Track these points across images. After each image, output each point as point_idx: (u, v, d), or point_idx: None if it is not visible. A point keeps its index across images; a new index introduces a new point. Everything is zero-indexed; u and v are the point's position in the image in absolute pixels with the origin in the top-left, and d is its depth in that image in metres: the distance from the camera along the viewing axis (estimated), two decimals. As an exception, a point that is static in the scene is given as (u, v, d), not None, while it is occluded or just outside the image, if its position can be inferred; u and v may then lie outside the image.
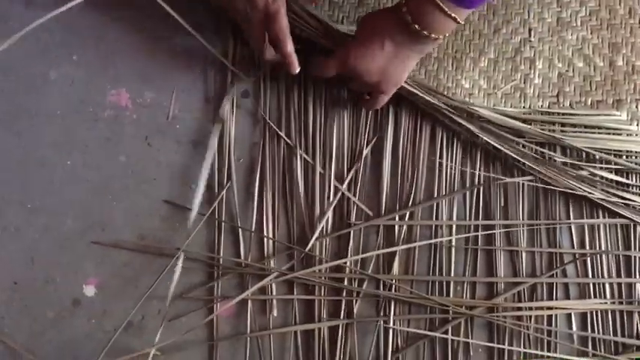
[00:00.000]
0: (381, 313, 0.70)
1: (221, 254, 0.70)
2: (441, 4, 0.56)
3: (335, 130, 0.72)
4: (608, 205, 0.71)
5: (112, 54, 0.74)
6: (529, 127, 0.70)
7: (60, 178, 0.72)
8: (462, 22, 0.59)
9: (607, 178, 0.71)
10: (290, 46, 0.64)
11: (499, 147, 0.70)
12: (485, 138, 0.70)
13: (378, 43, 0.62)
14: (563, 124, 0.72)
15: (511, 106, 0.73)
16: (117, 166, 0.73)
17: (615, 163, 0.72)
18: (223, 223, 0.71)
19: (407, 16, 0.59)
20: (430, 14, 0.58)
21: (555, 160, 0.71)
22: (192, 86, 0.74)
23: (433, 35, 0.59)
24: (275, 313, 0.70)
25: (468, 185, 0.72)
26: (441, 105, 0.69)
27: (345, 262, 0.69)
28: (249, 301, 0.70)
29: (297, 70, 0.65)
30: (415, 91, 0.69)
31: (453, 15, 0.57)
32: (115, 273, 0.71)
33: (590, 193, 0.70)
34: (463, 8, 0.57)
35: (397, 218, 0.71)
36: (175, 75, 0.74)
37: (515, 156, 0.70)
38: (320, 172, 0.71)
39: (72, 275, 0.71)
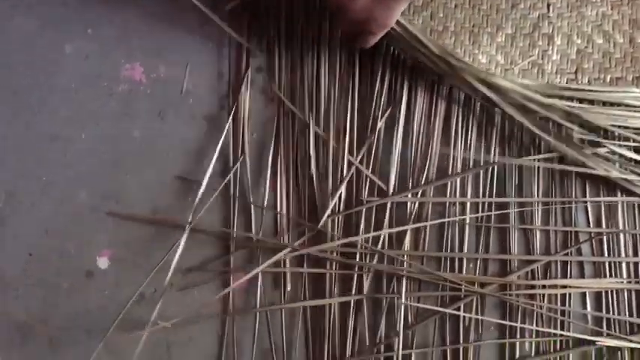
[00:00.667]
0: (393, 290, 0.70)
1: (234, 228, 0.71)
2: None
3: (349, 104, 0.72)
4: (625, 185, 0.70)
5: (127, 28, 0.74)
6: (549, 100, 0.69)
7: (73, 152, 0.72)
8: None
9: (626, 156, 0.70)
10: None
11: (518, 119, 0.68)
12: (505, 108, 0.68)
13: None
14: (581, 101, 0.71)
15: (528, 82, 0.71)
16: (130, 140, 0.73)
17: (634, 140, 0.70)
18: (236, 198, 0.71)
19: None
20: None
21: (573, 137, 0.70)
22: (206, 61, 0.74)
23: None
24: (289, 287, 0.70)
25: (482, 162, 0.72)
26: (460, 72, 0.68)
27: (357, 240, 0.69)
28: (260, 276, 0.70)
29: None
30: (433, 57, 0.68)
31: None
32: (128, 246, 0.71)
33: (607, 171, 0.69)
34: None
35: (410, 195, 0.70)
36: (189, 50, 0.74)
37: (535, 129, 0.68)
38: (333, 147, 0.71)
39: (86, 247, 0.71)
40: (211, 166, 0.71)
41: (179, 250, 0.69)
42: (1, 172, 0.72)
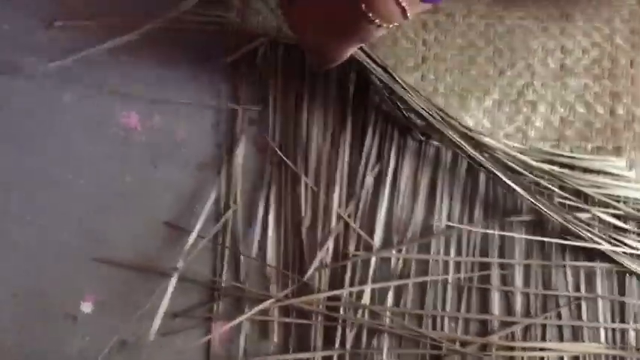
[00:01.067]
0: (374, 345, 0.70)
1: (221, 277, 0.71)
2: None
3: (339, 159, 0.74)
4: (605, 252, 0.72)
5: (124, 77, 0.75)
6: (536, 163, 0.71)
7: (65, 195, 0.73)
8: (409, 19, 0.56)
9: (606, 222, 0.72)
10: None
11: (505, 179, 0.70)
12: (489, 167, 0.70)
13: (321, 16, 0.59)
14: (562, 166, 0.73)
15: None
16: (122, 185, 0.74)
17: (614, 208, 0.73)
18: (225, 247, 0.72)
19: (362, 4, 0.55)
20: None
21: (553, 200, 0.72)
22: (199, 112, 0.76)
23: (378, 21, 0.56)
24: (276, 338, 0.70)
25: (466, 221, 0.73)
26: (450, 132, 0.70)
27: (341, 293, 0.70)
28: (245, 326, 0.70)
29: None
30: (425, 114, 0.70)
31: (403, 4, 0.54)
32: (113, 291, 0.71)
33: (588, 239, 0.71)
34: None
35: (394, 252, 0.72)
36: (185, 100, 0.76)
37: (520, 190, 0.70)
38: (323, 200, 0.73)
39: (70, 291, 0.71)
40: (205, 213, 0.72)
41: (166, 297, 0.69)
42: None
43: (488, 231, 0.72)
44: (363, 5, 0.54)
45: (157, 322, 0.69)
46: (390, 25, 0.56)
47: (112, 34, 0.75)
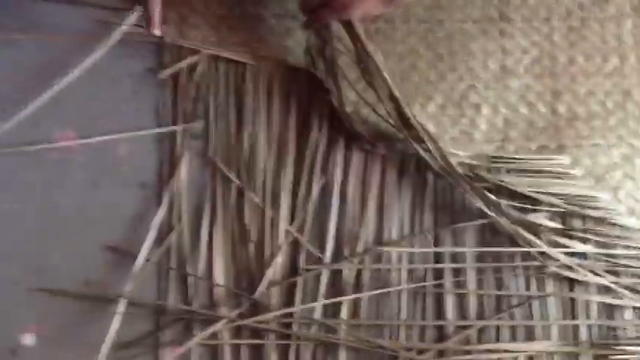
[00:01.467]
0: (330, 359, 0.69)
1: (168, 300, 0.69)
2: None
3: (284, 171, 0.73)
4: (550, 254, 0.72)
5: (60, 95, 0.72)
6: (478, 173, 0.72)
7: (1, 222, 0.70)
8: None
9: (550, 226, 0.73)
10: None
11: (454, 184, 0.71)
12: (440, 171, 0.71)
13: None
14: (508, 170, 0.74)
15: (458, 150, 0.74)
16: (62, 209, 0.71)
17: (558, 207, 0.73)
18: (171, 269, 0.70)
19: None
20: None
21: (500, 205, 0.72)
22: (140, 128, 0.73)
23: None
24: (228, 360, 0.69)
25: (417, 226, 0.73)
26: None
27: (294, 310, 0.69)
28: (195, 351, 0.68)
29: None
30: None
31: None
32: (56, 320, 0.68)
33: (534, 244, 0.72)
34: None
35: (346, 264, 0.71)
36: (124, 118, 0.73)
37: (472, 196, 0.70)
38: (270, 215, 0.71)
39: (9, 323, 0.68)
40: (151, 234, 0.70)
41: (113, 326, 0.66)
42: None
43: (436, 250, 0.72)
44: None
45: (104, 352, 0.66)
46: None
47: (50, 49, 0.73)
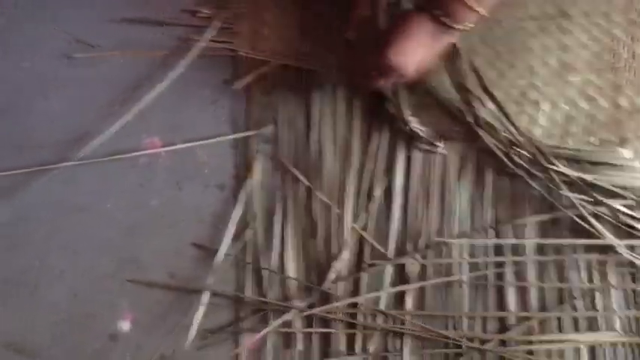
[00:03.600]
0: (395, 349, 0.73)
1: (246, 293, 0.76)
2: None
3: (349, 172, 0.77)
4: (616, 248, 0.73)
5: (147, 106, 0.80)
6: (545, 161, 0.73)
7: (98, 222, 0.78)
8: (484, 12, 0.64)
9: (616, 213, 0.73)
10: None
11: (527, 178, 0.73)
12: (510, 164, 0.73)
13: (416, 38, 0.67)
14: (568, 160, 0.75)
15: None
16: (149, 209, 0.79)
17: (623, 198, 0.74)
18: (247, 263, 0.76)
19: (435, 10, 0.64)
20: (457, 8, 0.63)
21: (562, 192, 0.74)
22: (218, 134, 0.80)
23: (456, 25, 0.65)
24: (300, 346, 0.74)
25: (478, 221, 0.76)
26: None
27: (360, 300, 0.73)
28: (271, 337, 0.74)
29: None
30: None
31: (470, 4, 0.63)
32: (147, 309, 0.76)
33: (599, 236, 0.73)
34: None
35: (409, 259, 0.75)
36: (203, 125, 0.80)
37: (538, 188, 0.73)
38: (336, 213, 0.76)
39: (109, 312, 0.76)
40: (230, 233, 0.76)
41: (198, 314, 0.74)
42: (34, 243, 0.78)
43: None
44: (439, 12, 0.64)
45: (191, 337, 0.73)
46: (467, 24, 0.66)
47: (138, 64, 0.81)
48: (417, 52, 0.67)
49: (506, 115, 0.73)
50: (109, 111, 0.80)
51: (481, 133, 0.74)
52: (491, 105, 0.73)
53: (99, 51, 0.82)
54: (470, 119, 0.74)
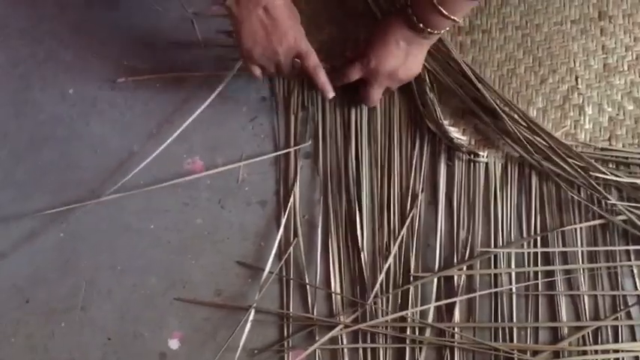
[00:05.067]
0: (446, 361, 0.72)
1: (290, 309, 0.76)
2: (439, 7, 0.66)
3: (392, 183, 0.77)
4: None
5: (187, 127, 0.81)
6: (597, 164, 0.72)
7: (144, 242, 0.80)
8: (458, 20, 0.67)
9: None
10: (323, 77, 0.73)
11: (563, 185, 0.73)
12: (552, 169, 0.73)
13: (395, 44, 0.70)
14: (617, 164, 0.73)
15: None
16: (194, 228, 0.80)
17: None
18: (291, 280, 0.76)
19: (413, 17, 0.68)
20: (429, 14, 0.67)
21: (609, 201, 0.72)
22: (258, 151, 0.81)
23: (432, 31, 0.69)
24: (348, 362, 0.74)
25: (524, 226, 0.75)
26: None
27: (407, 314, 0.73)
28: (318, 352, 0.74)
29: (332, 94, 0.74)
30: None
31: (450, 17, 0.67)
32: (195, 327, 0.77)
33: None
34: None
35: (455, 270, 0.74)
36: (243, 142, 0.81)
37: (577, 197, 0.71)
38: (379, 226, 0.76)
39: (158, 330, 0.77)
40: (273, 251, 0.76)
41: (245, 331, 0.74)
42: (82, 264, 0.79)
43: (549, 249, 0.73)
44: (421, 25, 0.68)
45: (238, 354, 0.74)
46: (441, 30, 0.69)
47: (178, 86, 0.82)
48: (395, 56, 0.71)
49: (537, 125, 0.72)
50: (150, 133, 0.82)
51: (511, 143, 0.74)
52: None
53: (137, 74, 0.83)
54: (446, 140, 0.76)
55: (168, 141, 0.77)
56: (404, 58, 0.71)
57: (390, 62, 0.71)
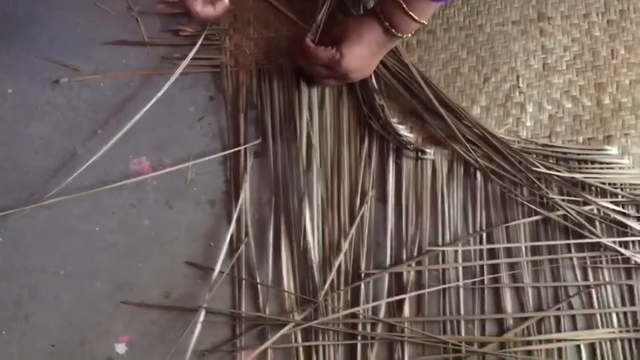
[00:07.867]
0: (396, 356, 0.73)
1: (242, 308, 0.75)
2: (405, 7, 0.68)
3: (341, 182, 0.77)
4: (608, 244, 0.74)
5: (132, 127, 0.79)
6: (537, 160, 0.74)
7: (89, 245, 0.78)
8: (426, 23, 0.70)
9: (610, 209, 0.74)
10: None
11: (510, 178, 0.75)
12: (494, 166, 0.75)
13: (368, 47, 0.72)
14: (557, 160, 0.76)
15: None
16: (141, 229, 0.78)
17: (614, 195, 0.75)
18: (242, 279, 0.76)
19: (385, 22, 0.70)
20: (400, 19, 0.69)
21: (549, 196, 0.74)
22: (206, 151, 0.80)
23: (401, 35, 0.71)
24: (302, 360, 0.74)
25: (470, 222, 0.76)
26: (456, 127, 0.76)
27: (358, 310, 0.73)
28: (271, 352, 0.74)
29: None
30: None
31: (420, 20, 0.69)
32: (143, 331, 0.75)
33: (590, 235, 0.73)
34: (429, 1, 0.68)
35: (405, 266, 0.75)
36: (191, 142, 0.80)
37: (520, 198, 0.73)
38: (330, 224, 0.76)
39: (104, 335, 0.76)
40: (223, 251, 0.76)
41: (195, 333, 0.73)
42: (25, 270, 0.77)
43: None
44: (392, 29, 0.70)
45: (188, 356, 0.73)
46: (409, 34, 0.71)
47: (121, 86, 0.81)
48: (363, 57, 0.72)
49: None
50: (95, 134, 0.80)
51: (452, 144, 0.76)
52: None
53: (81, 75, 0.81)
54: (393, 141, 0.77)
55: (113, 141, 0.76)
56: (369, 59, 0.73)
57: (357, 62, 0.72)
